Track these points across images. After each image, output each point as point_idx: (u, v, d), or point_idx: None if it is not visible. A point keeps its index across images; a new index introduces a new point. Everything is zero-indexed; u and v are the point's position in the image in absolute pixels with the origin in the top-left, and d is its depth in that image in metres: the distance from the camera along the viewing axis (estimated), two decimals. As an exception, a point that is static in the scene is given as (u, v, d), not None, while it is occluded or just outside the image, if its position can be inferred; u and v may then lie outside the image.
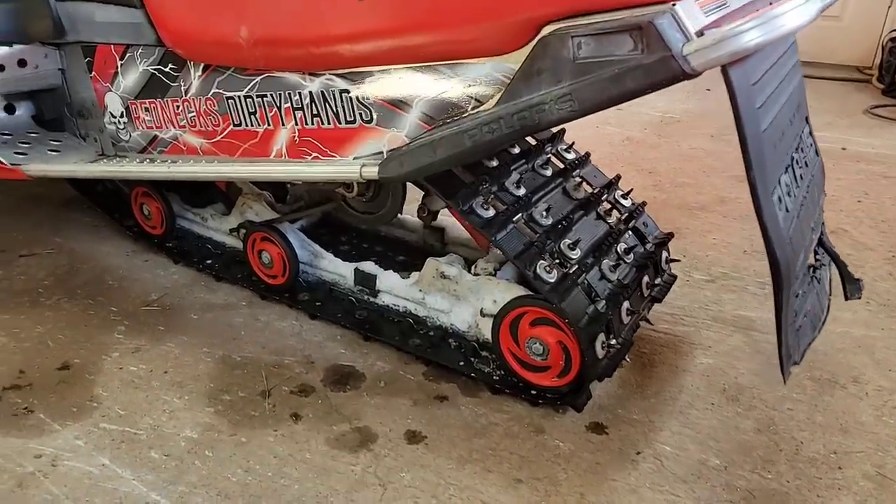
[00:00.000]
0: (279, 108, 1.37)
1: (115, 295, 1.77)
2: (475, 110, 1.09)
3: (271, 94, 1.36)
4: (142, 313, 1.69)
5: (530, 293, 1.28)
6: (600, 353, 1.21)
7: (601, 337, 1.22)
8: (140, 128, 1.64)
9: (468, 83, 1.10)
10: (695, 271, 1.81)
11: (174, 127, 1.57)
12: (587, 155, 1.59)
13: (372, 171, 1.19)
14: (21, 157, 1.63)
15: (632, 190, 1.58)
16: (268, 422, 1.32)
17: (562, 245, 1.29)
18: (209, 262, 1.83)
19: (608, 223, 1.44)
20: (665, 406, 1.33)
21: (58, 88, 1.77)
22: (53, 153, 1.70)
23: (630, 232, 1.47)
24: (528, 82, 1.00)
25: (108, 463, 1.22)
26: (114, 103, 1.66)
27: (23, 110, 1.82)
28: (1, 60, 1.64)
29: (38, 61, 1.69)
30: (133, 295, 1.77)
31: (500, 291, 1.36)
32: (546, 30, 0.98)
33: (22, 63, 1.67)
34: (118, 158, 1.70)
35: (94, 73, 1.65)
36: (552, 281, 1.21)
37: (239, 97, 1.42)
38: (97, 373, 1.47)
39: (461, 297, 1.44)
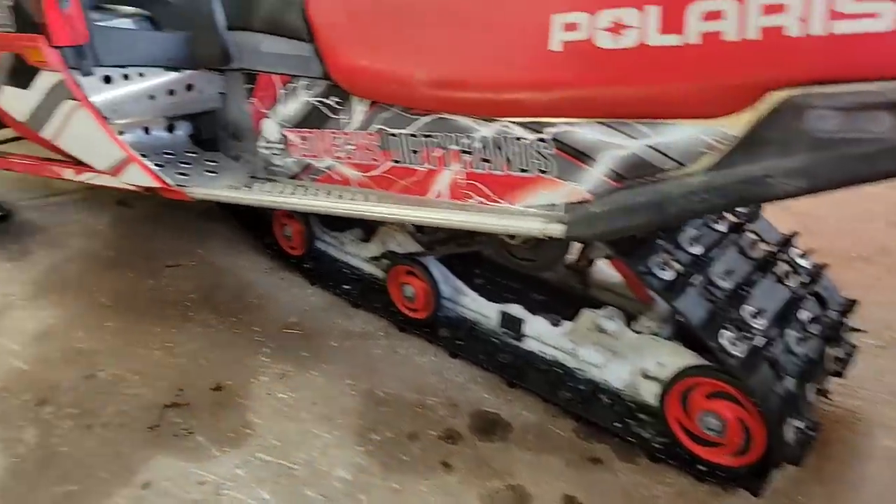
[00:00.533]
0: (446, 150, 1.35)
1: (257, 314, 1.81)
2: (677, 174, 1.02)
3: (439, 135, 1.34)
4: (283, 336, 1.72)
5: (710, 364, 1.20)
6: (789, 437, 1.12)
7: (790, 419, 1.13)
8: (294, 155, 1.66)
9: (668, 144, 1.04)
10: (863, 335, 1.66)
11: (330, 157, 1.58)
12: (759, 207, 1.48)
13: (557, 230, 1.14)
14: (184, 178, 1.69)
15: (811, 250, 1.47)
16: (418, 468, 1.31)
17: (744, 313, 1.20)
18: (346, 287, 1.84)
19: (789, 287, 1.33)
20: (848, 496, 1.22)
21: (216, 111, 1.82)
22: (210, 174, 1.76)
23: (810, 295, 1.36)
24: (751, 152, 0.93)
25: (269, 498, 1.23)
26: (270, 129, 1.69)
27: (182, 130, 1.89)
28: (172, 85, 1.70)
29: (202, 86, 1.75)
30: (274, 315, 1.80)
31: (668, 355, 1.28)
32: (775, 96, 0.90)
33: (189, 87, 1.73)
34: (270, 181, 1.73)
35: (253, 98, 1.69)
36: (739, 354, 1.13)
37: (403, 135, 1.41)
38: (248, 397, 1.50)
39: (619, 354, 1.37)
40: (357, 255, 1.87)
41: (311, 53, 1.50)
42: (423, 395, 1.50)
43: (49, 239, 2.19)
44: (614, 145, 1.10)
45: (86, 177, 1.85)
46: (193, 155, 1.84)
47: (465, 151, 1.31)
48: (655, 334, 1.32)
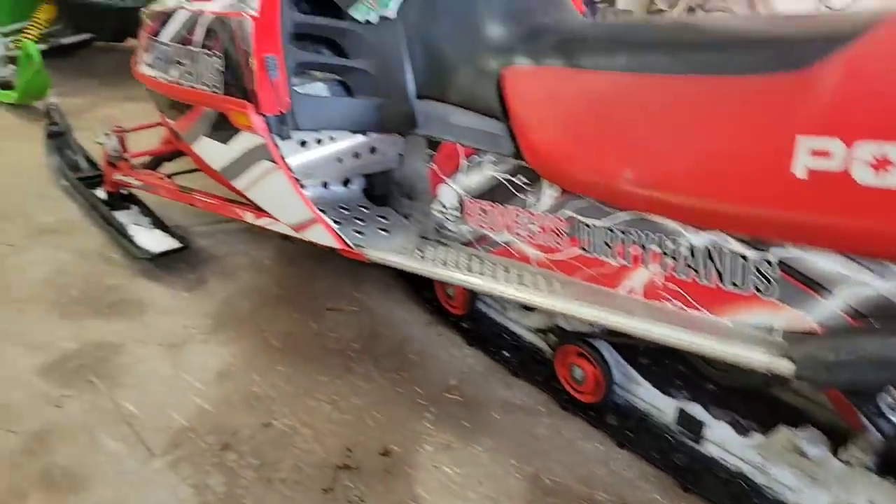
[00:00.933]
0: (644, 249, 1.30)
1: (418, 372, 1.84)
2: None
3: (639, 233, 1.30)
4: (445, 401, 1.73)
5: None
6: None
7: None
8: (471, 224, 1.67)
9: (931, 292, 0.94)
10: None
11: (509, 233, 1.58)
12: None
13: (784, 369, 1.06)
14: (360, 237, 1.74)
15: None
16: (593, 576, 1.27)
17: None
18: (505, 353, 1.83)
19: None
20: None
21: (393, 170, 1.87)
22: (383, 233, 1.80)
23: None
24: None
25: (445, 590, 1.24)
26: (447, 195, 1.71)
27: (356, 185, 1.96)
28: (358, 148, 1.76)
29: (384, 148, 1.80)
30: (434, 376, 1.82)
31: (885, 495, 1.16)
32: None
33: (372, 150, 1.79)
34: (442, 245, 1.75)
35: (433, 164, 1.72)
36: None
37: (596, 226, 1.37)
38: (415, 467, 1.52)
39: (820, 482, 1.26)
40: (519, 322, 1.85)
41: (502, 132, 1.49)
42: (591, 488, 1.46)
43: (222, 269, 2.34)
44: (858, 282, 1.01)
45: (264, 222, 1.96)
46: (366, 211, 1.89)
47: (667, 255, 1.26)
48: (867, 468, 1.21)
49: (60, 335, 1.97)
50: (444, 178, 1.70)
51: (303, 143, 1.69)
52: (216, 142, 1.84)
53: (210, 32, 1.75)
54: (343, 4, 1.65)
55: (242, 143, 1.72)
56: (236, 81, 1.66)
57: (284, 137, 1.64)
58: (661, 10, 4.63)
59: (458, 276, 1.53)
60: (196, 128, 1.92)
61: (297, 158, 1.68)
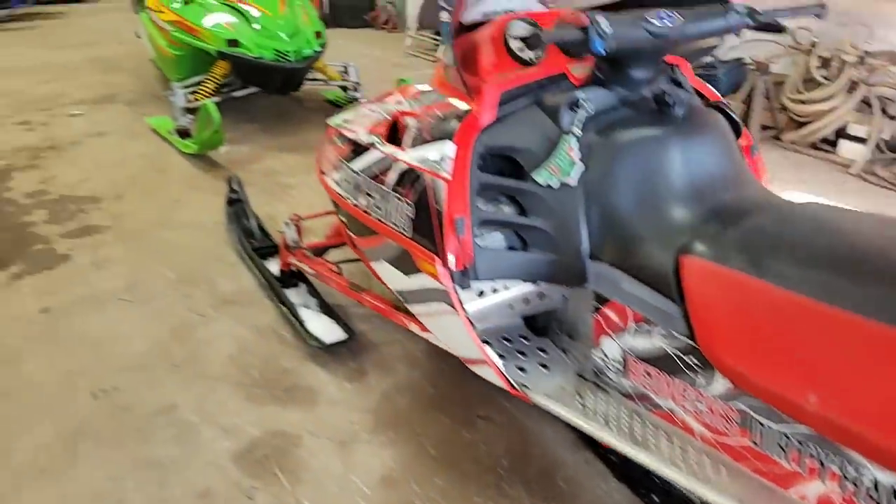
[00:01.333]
0: (822, 465, 1.33)
1: (567, 503, 1.94)
2: None
3: (818, 450, 1.33)
4: (592, 542, 1.83)
5: None
6: None
7: None
8: (633, 381, 1.74)
9: None
10: None
11: (674, 402, 1.64)
12: None
13: None
14: (523, 375, 1.87)
15: None
16: None
17: None
18: (654, 497, 1.89)
19: None
20: None
21: (556, 309, 1.98)
22: (543, 369, 1.91)
23: None
24: None
25: None
26: (610, 347, 1.79)
27: (518, 317, 2.08)
28: (528, 295, 1.89)
29: (551, 293, 1.91)
30: (581, 510, 1.92)
31: None
32: None
33: (541, 296, 1.91)
34: (602, 391, 1.84)
35: (599, 316, 1.80)
36: None
37: (771, 428, 1.41)
38: None
39: None
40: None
41: (676, 313, 1.56)
42: None
43: (379, 360, 2.56)
44: None
45: (428, 336, 2.14)
46: (527, 343, 2.02)
47: (848, 480, 1.28)
48: None
49: (247, 419, 2.25)
50: (608, 331, 1.78)
51: (480, 293, 1.84)
52: (398, 270, 2.03)
53: (402, 179, 1.94)
54: (527, 167, 1.78)
55: (424, 282, 1.90)
56: (424, 231, 1.84)
57: (464, 287, 1.79)
58: (817, 82, 4.43)
59: (627, 448, 1.61)
60: (378, 252, 2.13)
61: (474, 305, 1.83)
